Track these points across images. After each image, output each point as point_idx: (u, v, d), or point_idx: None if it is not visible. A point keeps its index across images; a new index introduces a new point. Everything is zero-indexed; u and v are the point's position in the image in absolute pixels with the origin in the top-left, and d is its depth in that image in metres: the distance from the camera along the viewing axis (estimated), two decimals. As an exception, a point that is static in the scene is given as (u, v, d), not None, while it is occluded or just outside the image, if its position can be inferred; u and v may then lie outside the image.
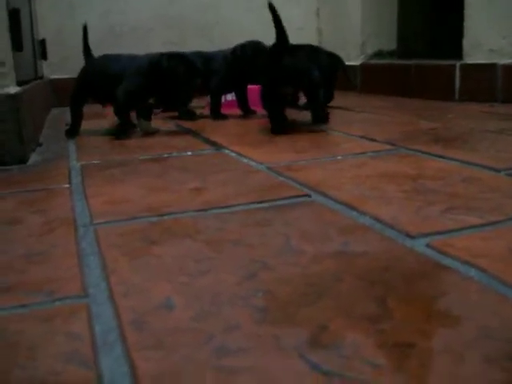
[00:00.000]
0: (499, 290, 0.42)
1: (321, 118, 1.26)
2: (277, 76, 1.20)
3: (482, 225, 0.57)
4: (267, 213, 0.64)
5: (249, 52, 1.56)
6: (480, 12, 1.75)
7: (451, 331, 0.36)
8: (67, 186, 0.83)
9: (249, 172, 0.86)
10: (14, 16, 1.14)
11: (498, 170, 0.80)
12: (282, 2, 2.42)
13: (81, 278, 0.48)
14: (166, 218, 0.64)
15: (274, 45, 1.25)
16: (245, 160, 0.94)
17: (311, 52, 1.30)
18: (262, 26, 2.33)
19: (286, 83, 1.21)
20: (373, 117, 1.47)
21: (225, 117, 1.56)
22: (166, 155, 1.02)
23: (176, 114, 1.61)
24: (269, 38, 1.78)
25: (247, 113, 1.63)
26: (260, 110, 1.44)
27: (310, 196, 0.70)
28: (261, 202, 0.68)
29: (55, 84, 2.14)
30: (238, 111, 1.64)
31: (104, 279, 0.47)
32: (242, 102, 1.64)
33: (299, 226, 0.59)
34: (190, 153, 1.03)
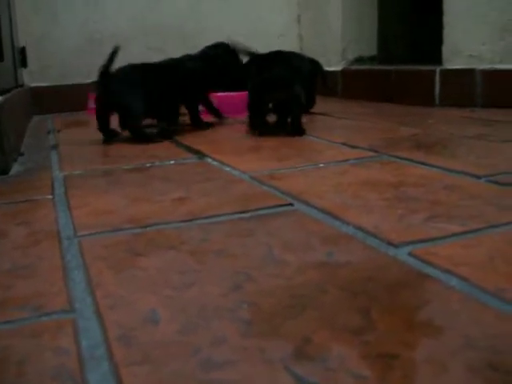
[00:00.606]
0: (480, 298, 0.43)
1: (299, 130, 1.29)
2: (262, 84, 1.28)
3: (464, 232, 0.58)
4: (250, 223, 0.65)
5: (221, 54, 1.52)
6: (459, 19, 1.78)
7: (434, 341, 0.37)
8: (50, 196, 0.83)
9: (231, 181, 0.86)
10: (-6, 26, 1.13)
11: (478, 177, 0.81)
12: (263, 10, 2.45)
13: (67, 292, 0.48)
14: (149, 229, 0.65)
15: (258, 54, 1.35)
16: (227, 169, 0.95)
17: (294, 59, 1.35)
18: (243, 32, 2.35)
19: (271, 91, 1.28)
20: (354, 123, 1.49)
21: (209, 125, 1.53)
22: (148, 165, 1.02)
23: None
24: (253, 45, 1.78)
25: (221, 118, 1.60)
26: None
27: (292, 205, 0.71)
28: (243, 212, 0.68)
29: (36, 92, 2.13)
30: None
31: (90, 293, 0.47)
32: (211, 107, 1.60)
33: (282, 236, 0.59)
34: (172, 162, 1.04)
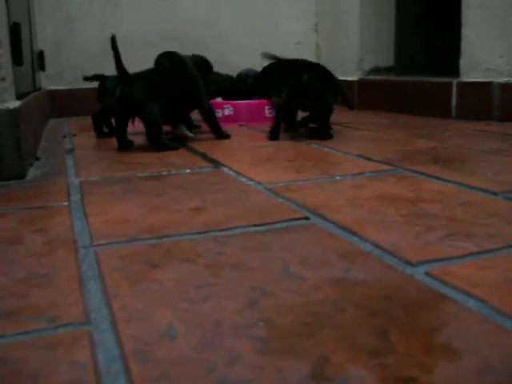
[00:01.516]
0: (497, 321, 0.43)
1: (328, 134, 1.40)
2: (297, 90, 1.38)
3: (480, 252, 0.57)
4: (266, 236, 0.65)
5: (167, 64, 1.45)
6: (476, 31, 1.77)
7: (452, 365, 0.37)
8: (66, 203, 0.83)
9: (247, 192, 0.86)
10: (14, 31, 1.14)
11: (495, 194, 0.80)
12: (281, 17, 2.46)
13: (83, 303, 0.48)
14: (165, 240, 0.65)
15: (292, 60, 1.49)
16: (243, 179, 0.95)
17: (325, 74, 1.45)
18: (257, 40, 2.36)
19: (304, 97, 1.39)
20: (370, 134, 1.48)
21: (228, 135, 1.51)
22: (165, 173, 1.02)
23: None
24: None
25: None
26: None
27: (308, 218, 0.71)
28: (259, 225, 0.68)
29: (53, 95, 2.15)
30: (235, 126, 1.64)
31: (106, 305, 0.47)
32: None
33: (298, 251, 0.59)
34: (188, 170, 1.04)
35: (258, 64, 1.84)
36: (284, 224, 0.69)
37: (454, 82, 1.83)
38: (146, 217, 0.74)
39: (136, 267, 0.56)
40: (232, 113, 1.73)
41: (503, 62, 1.73)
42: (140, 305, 0.47)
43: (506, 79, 1.72)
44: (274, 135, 1.39)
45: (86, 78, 1.55)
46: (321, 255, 0.58)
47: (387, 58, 2.37)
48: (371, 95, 2.18)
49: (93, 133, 1.57)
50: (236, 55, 2.28)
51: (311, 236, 0.64)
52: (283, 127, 1.45)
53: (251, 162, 1.11)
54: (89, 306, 0.47)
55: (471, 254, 0.57)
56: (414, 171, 0.96)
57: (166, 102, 1.29)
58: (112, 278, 0.53)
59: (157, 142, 1.28)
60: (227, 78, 1.80)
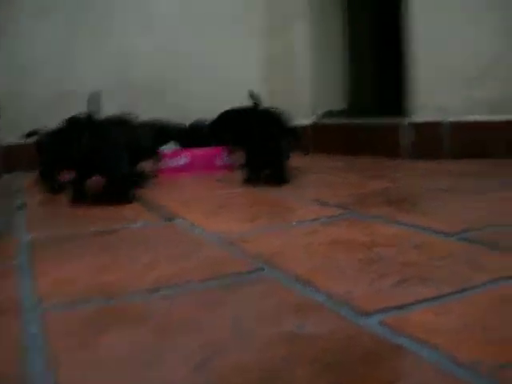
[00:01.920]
0: (455, 372, 0.42)
1: (285, 179, 1.40)
2: (261, 137, 1.41)
3: (436, 297, 0.57)
4: (218, 291, 0.63)
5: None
6: (425, 72, 1.81)
7: (408, 423, 0.35)
8: (14, 263, 0.80)
9: (201, 244, 0.85)
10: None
11: (449, 235, 0.81)
12: (234, 65, 2.48)
13: (24, 373, 0.45)
14: (115, 300, 0.62)
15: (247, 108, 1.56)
16: (197, 231, 0.93)
17: (280, 120, 1.51)
18: (210, 89, 2.37)
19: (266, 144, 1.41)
20: (325, 178, 1.49)
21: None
22: (117, 227, 1.00)
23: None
24: (223, 103, 1.81)
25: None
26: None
27: (263, 270, 0.69)
28: (212, 279, 0.67)
29: (5, 149, 2.11)
30: (191, 174, 1.63)
31: (50, 375, 0.45)
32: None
33: (251, 306, 0.58)
34: (141, 224, 1.02)
35: (212, 112, 1.86)
36: (238, 277, 0.67)
37: (405, 122, 1.86)
38: (96, 276, 0.72)
39: (84, 332, 0.54)
40: (188, 161, 1.72)
41: (452, 102, 1.78)
42: (86, 374, 0.45)
43: (456, 118, 1.76)
44: (251, 178, 1.43)
45: (26, 135, 1.56)
46: (274, 309, 0.56)
47: (340, 102, 2.41)
48: (325, 139, 2.21)
49: (42, 188, 1.54)
50: (190, 104, 2.28)
51: (265, 289, 0.63)
52: (245, 176, 1.46)
53: (206, 211, 1.10)
54: (31, 377, 0.45)
55: (426, 299, 0.56)
56: (368, 215, 0.96)
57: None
58: (58, 344, 0.51)
59: (125, 196, 1.27)
60: (180, 127, 1.81)
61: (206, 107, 2.01)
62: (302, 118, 2.27)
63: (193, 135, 1.84)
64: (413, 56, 1.85)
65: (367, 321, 0.52)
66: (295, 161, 1.73)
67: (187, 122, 1.91)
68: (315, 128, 2.27)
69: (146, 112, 1.83)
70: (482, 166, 1.55)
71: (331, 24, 2.40)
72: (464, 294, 0.57)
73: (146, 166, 1.57)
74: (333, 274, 0.66)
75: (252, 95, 1.45)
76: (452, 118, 1.76)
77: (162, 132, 1.77)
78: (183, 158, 1.73)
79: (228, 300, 0.60)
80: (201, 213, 1.09)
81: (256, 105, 1.42)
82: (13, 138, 2.13)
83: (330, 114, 2.35)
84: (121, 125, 1.51)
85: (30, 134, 1.57)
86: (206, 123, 1.87)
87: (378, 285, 0.61)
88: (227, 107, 1.83)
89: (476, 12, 1.73)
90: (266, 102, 2.47)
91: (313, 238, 0.83)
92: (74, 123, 1.38)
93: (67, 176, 1.36)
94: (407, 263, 0.68)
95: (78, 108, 1.30)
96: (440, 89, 1.80)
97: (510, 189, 1.17)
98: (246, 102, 1.67)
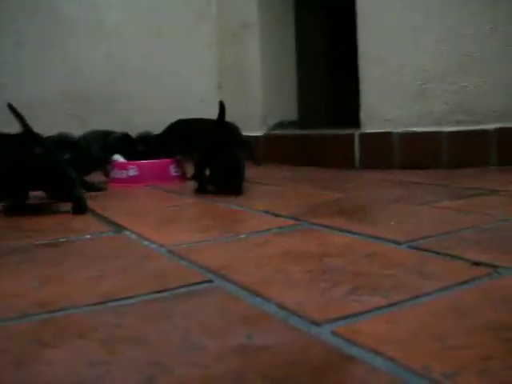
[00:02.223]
0: (407, 379, 0.41)
1: (239, 190, 1.39)
2: (213, 146, 1.40)
3: (387, 306, 0.56)
4: (166, 303, 0.61)
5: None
6: (374, 85, 1.84)
7: None
8: (-48, 279, 0.77)
9: (150, 256, 0.82)
10: None
11: (399, 243, 0.81)
12: (185, 76, 2.47)
13: (-44, 396, 0.43)
14: (59, 314, 0.60)
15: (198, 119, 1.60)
16: (146, 242, 0.91)
17: (234, 131, 1.48)
18: (162, 99, 2.35)
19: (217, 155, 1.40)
20: (277, 189, 1.48)
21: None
22: (63, 239, 0.97)
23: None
24: (175, 113, 1.79)
25: None
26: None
27: (212, 281, 0.68)
28: (160, 292, 0.65)
29: None
30: (140, 186, 1.61)
31: (-17, 397, 0.42)
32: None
33: (200, 318, 0.56)
34: (88, 236, 0.99)
35: (163, 122, 1.83)
36: (186, 289, 0.65)
37: (356, 133, 1.88)
38: (39, 289, 0.69)
39: (25, 348, 0.51)
40: (137, 173, 1.69)
41: (401, 113, 1.80)
42: (22, 394, 0.42)
43: (405, 129, 1.78)
44: (201, 188, 1.45)
45: None
46: (224, 321, 0.55)
47: (291, 113, 2.42)
48: (277, 150, 2.21)
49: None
50: (140, 115, 2.26)
51: (214, 300, 0.61)
52: (196, 187, 1.46)
53: (155, 223, 1.08)
54: (-37, 400, 0.42)
55: (378, 308, 0.56)
56: (320, 225, 0.96)
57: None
58: (-6, 363, 0.48)
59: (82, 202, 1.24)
60: (128, 138, 1.78)
61: (157, 118, 1.99)
62: (254, 128, 2.27)
63: (140, 146, 1.81)
64: (363, 70, 1.87)
65: (319, 331, 0.51)
66: (248, 172, 1.72)
67: (135, 133, 1.88)
68: (267, 139, 2.27)
69: (95, 124, 1.80)
70: (429, 176, 1.57)
71: (283, 35, 2.41)
72: (415, 302, 0.57)
73: (96, 177, 1.54)
74: (284, 284, 0.65)
75: (221, 106, 1.43)
76: (400, 130, 1.79)
77: (108, 143, 1.73)
78: (132, 170, 1.70)
79: (176, 313, 0.58)
80: (150, 224, 1.06)
81: (221, 116, 1.39)
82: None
83: (281, 125, 2.36)
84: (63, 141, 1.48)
85: None
86: (154, 134, 1.84)
87: (330, 295, 0.60)
88: (179, 117, 1.81)
89: (419, 30, 1.77)
90: (216, 112, 2.48)
91: (264, 249, 0.82)
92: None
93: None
94: (359, 273, 0.68)
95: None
96: (389, 101, 1.82)
97: (455, 198, 1.19)
98: (198, 113, 1.66)
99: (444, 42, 1.74)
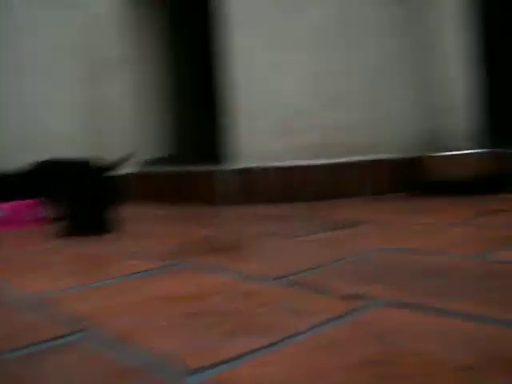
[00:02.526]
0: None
1: (104, 228, 1.37)
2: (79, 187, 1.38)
3: (264, 347, 0.53)
4: (19, 365, 0.54)
5: None
6: (239, 122, 1.85)
7: None
8: None
9: (8, 309, 0.75)
10: None
11: (272, 279, 0.79)
12: (53, 116, 2.36)
13: None
14: None
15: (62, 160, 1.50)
16: (5, 292, 0.83)
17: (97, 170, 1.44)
18: (23, 142, 2.23)
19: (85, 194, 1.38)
20: (148, 228, 1.44)
21: None
22: None
23: None
24: (40, 153, 1.70)
25: None
26: None
27: (76, 334, 0.62)
28: (12, 351, 0.57)
29: None
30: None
31: None
32: None
33: (58, 380, 0.50)
34: None
35: (27, 162, 1.73)
36: (44, 345, 0.59)
37: (218, 169, 1.88)
38: None
39: None
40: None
41: (265, 149, 1.82)
42: None
43: (269, 164, 1.80)
44: (68, 230, 1.39)
45: None
46: (90, 380, 0.49)
47: (162, 150, 2.39)
48: (149, 187, 2.16)
49: None
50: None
51: (76, 357, 0.55)
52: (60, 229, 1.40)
53: (15, 270, 0.99)
54: None
55: (255, 350, 0.53)
56: (193, 264, 0.93)
57: None
58: None
59: None
60: None
61: (22, 157, 1.88)
62: (126, 166, 2.22)
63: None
64: (234, 106, 1.88)
65: (192, 380, 0.47)
66: (119, 211, 1.66)
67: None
68: (137, 177, 2.22)
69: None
70: (299, 209, 1.59)
71: (152, 75, 2.39)
72: (292, 340, 0.55)
73: None
74: (155, 331, 0.60)
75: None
76: (269, 164, 1.81)
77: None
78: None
79: (29, 376, 0.51)
80: (10, 272, 0.98)
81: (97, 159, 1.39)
82: None
83: (152, 162, 2.32)
84: None
85: None
86: (13, 174, 1.74)
87: (203, 339, 0.56)
88: (44, 158, 1.72)
89: (289, 65, 1.81)
90: (85, 153, 2.39)
91: (133, 294, 0.77)
92: None
93: None
94: (234, 312, 0.65)
95: None
96: (253, 137, 1.84)
97: (327, 230, 1.20)
98: (65, 153, 1.59)
99: (311, 82, 1.79)
